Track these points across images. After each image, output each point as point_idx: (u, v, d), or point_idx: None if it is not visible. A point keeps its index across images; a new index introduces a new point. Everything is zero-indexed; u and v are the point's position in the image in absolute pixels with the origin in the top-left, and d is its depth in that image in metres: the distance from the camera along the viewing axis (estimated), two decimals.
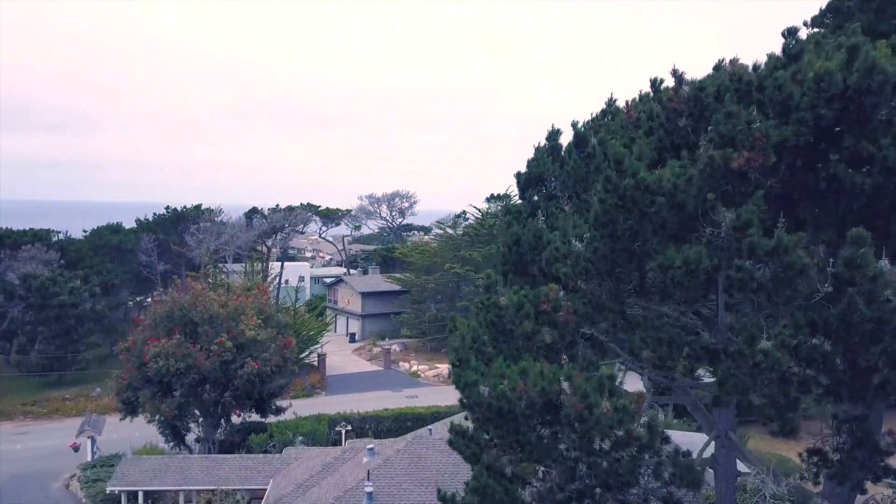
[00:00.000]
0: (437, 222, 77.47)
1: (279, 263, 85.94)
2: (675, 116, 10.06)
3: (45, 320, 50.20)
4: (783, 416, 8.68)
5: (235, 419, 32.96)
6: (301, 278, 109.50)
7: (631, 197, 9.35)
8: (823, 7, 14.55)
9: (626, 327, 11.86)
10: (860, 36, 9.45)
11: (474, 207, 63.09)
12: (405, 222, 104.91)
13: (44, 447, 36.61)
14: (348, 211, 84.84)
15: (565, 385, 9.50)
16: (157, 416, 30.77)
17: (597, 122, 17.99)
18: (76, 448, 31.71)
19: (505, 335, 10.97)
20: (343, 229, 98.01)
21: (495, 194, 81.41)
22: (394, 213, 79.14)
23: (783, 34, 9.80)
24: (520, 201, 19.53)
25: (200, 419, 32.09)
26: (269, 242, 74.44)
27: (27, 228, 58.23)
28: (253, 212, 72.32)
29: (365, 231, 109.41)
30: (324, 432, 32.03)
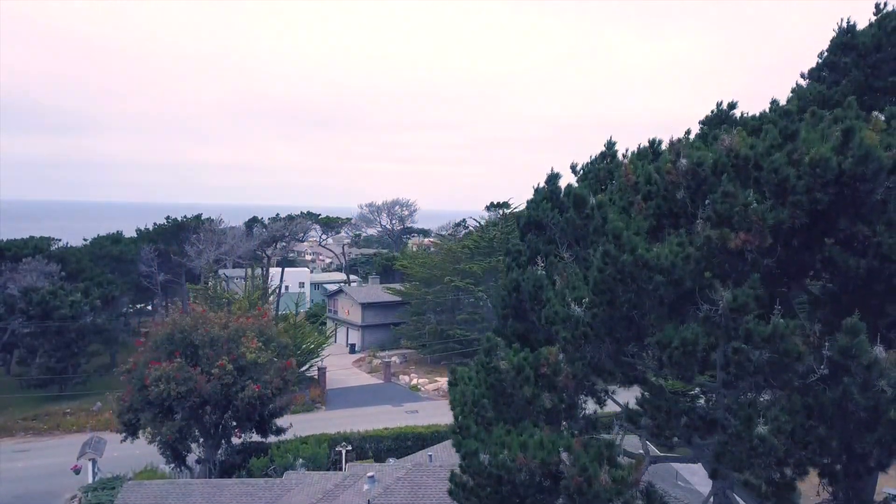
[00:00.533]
0: (438, 234, 77.57)
1: (279, 269, 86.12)
2: (673, 189, 10.17)
3: (46, 333, 50.30)
4: (780, 497, 8.79)
5: (236, 440, 33.06)
6: (301, 284, 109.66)
7: (630, 272, 9.46)
8: (820, 61, 14.64)
9: (626, 384, 12.00)
10: (854, 110, 9.56)
11: (475, 220, 63.11)
12: (406, 226, 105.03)
13: (45, 465, 36.72)
14: (348, 219, 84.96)
15: (564, 456, 9.61)
16: (157, 438, 30.86)
17: (596, 166, 18.13)
18: (77, 470, 31.82)
19: (505, 398, 11.09)
20: (343, 237, 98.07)
21: (495, 202, 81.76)
22: (394, 221, 79.21)
23: (777, 111, 9.89)
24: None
25: (201, 439, 32.19)
26: (269, 251, 74.56)
27: (28, 238, 58.34)
28: (253, 221, 72.47)
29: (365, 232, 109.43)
30: (324, 455, 32.14)
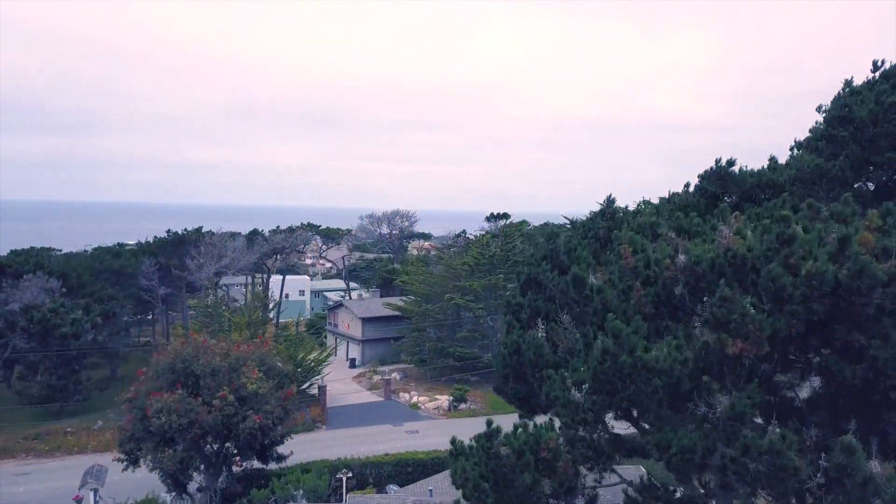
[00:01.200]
0: (438, 246, 77.62)
1: (280, 277, 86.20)
2: (672, 283, 10.30)
3: (47, 351, 50.45)
4: None
5: (237, 468, 33.19)
6: (301, 292, 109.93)
7: (629, 372, 9.59)
8: (820, 127, 14.76)
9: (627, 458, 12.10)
10: (851, 206, 9.69)
11: (472, 235, 63.11)
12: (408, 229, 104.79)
13: (46, 490, 36.85)
14: (349, 230, 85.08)
15: None
16: (158, 467, 30.99)
17: (595, 224, 18.27)
18: (79, 501, 31.94)
19: (506, 483, 11.22)
20: (344, 248, 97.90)
21: (495, 213, 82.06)
22: (394, 233, 79.30)
23: (777, 225, 9.95)
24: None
25: (202, 467, 32.32)
26: (270, 262, 74.65)
27: (30, 250, 58.50)
28: (254, 233, 72.59)
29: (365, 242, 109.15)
30: (325, 486, 32.30)
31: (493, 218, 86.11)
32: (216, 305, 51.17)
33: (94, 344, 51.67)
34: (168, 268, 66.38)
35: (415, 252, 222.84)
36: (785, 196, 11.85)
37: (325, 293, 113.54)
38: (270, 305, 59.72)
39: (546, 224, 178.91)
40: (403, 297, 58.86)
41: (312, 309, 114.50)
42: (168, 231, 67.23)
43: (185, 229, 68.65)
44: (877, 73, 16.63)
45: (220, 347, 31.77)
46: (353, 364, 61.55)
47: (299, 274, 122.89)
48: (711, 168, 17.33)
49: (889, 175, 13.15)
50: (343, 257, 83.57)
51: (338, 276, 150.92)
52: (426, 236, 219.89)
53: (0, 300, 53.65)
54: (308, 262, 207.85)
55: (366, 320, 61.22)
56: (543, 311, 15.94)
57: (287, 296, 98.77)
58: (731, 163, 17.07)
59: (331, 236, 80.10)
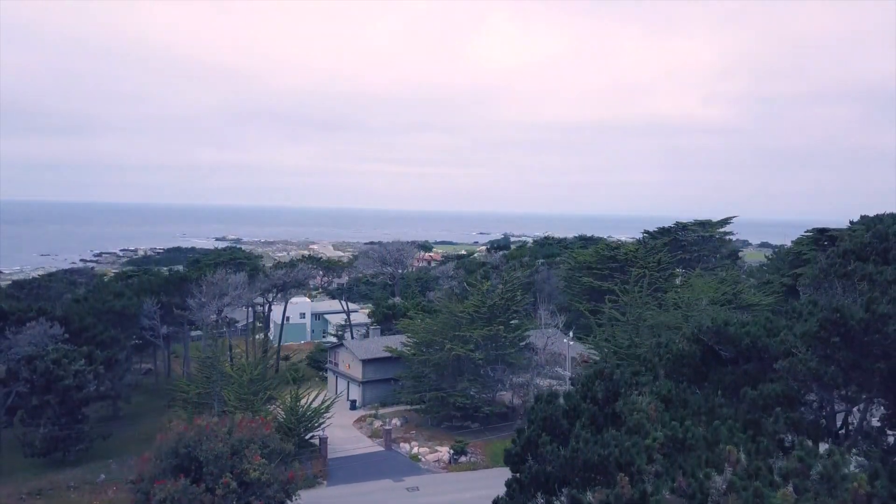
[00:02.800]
0: (439, 261, 77.74)
1: (282, 301, 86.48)
2: None
3: (49, 401, 50.81)
4: None
5: None
6: (302, 315, 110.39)
7: None
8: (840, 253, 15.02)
9: None
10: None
11: (474, 276, 63.22)
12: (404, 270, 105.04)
13: None
14: (350, 262, 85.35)
15: None
16: None
17: (594, 388, 18.54)
18: None
19: None
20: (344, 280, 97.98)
21: (495, 240, 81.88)
22: (395, 265, 79.64)
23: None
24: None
25: None
26: (271, 296, 74.90)
27: (30, 297, 58.71)
28: (254, 270, 72.84)
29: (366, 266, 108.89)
30: None
31: (494, 247, 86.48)
32: (215, 358, 51.44)
33: (97, 393, 51.99)
34: (170, 307, 66.72)
35: (416, 264, 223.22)
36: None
37: (326, 315, 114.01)
38: (270, 353, 59.83)
39: (547, 239, 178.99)
40: (404, 341, 59.10)
41: (313, 331, 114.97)
42: (170, 270, 67.43)
43: (188, 268, 68.84)
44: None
45: (221, 430, 32.08)
46: (353, 406, 61.88)
47: (300, 293, 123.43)
48: (709, 326, 17.61)
49: (882, 381, 13.42)
50: (344, 291, 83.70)
51: (339, 290, 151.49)
52: (427, 247, 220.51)
53: (3, 347, 54.11)
54: None
55: (366, 362, 61.56)
56: (543, 480, 16.20)
57: (288, 318, 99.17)
58: (727, 322, 17.35)
59: (331, 268, 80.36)
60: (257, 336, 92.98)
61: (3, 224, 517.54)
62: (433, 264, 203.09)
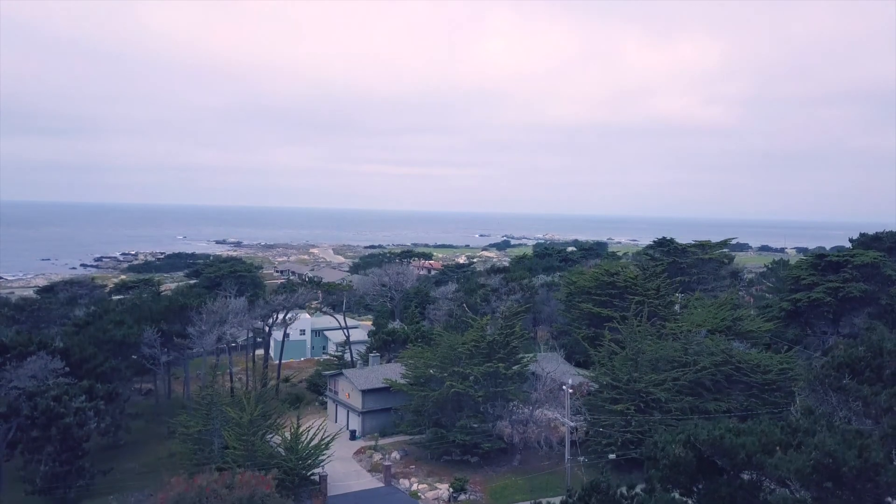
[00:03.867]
0: (439, 270, 77.62)
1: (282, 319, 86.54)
2: None
3: (50, 438, 50.95)
4: None
5: None
6: (302, 332, 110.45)
7: None
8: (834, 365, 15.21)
9: None
10: None
11: (474, 314, 63.33)
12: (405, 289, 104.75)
13: None
14: (349, 286, 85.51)
15: None
16: None
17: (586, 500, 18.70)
18: None
19: None
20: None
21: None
22: (393, 291, 79.77)
23: None
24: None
25: None
26: (270, 321, 75.04)
27: (32, 330, 58.95)
28: (254, 296, 73.03)
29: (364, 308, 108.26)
30: None
31: (493, 271, 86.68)
32: (215, 393, 51.57)
33: (98, 430, 52.17)
34: (170, 334, 66.91)
35: (416, 273, 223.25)
36: None
37: (326, 332, 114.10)
38: (270, 387, 59.83)
39: (546, 249, 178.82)
40: (404, 373, 59.24)
41: (313, 348, 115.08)
42: (171, 299, 67.58)
43: (189, 297, 69.02)
44: None
45: (222, 489, 32.28)
46: (353, 436, 62.02)
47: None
48: (707, 436, 17.76)
49: None
50: (343, 313, 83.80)
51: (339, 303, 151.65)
52: (427, 256, 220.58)
53: (3, 381, 54.30)
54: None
55: (366, 392, 61.72)
56: None
57: (288, 335, 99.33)
58: (722, 436, 17.50)
59: (331, 291, 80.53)
60: (258, 352, 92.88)
61: (3, 226, 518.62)
62: (433, 273, 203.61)
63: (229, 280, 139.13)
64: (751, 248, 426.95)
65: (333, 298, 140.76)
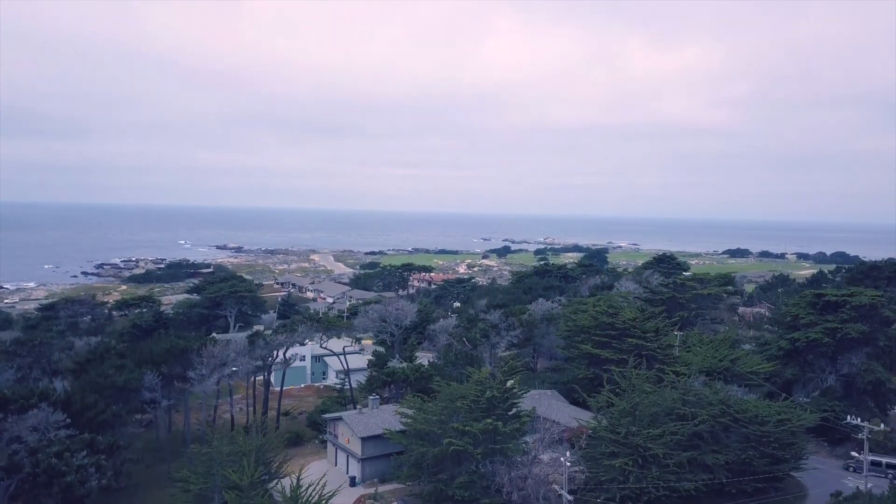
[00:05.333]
0: (439, 284, 77.63)
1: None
2: None
3: (52, 494, 51.34)
4: None
5: None
6: (302, 358, 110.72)
7: None
8: None
9: None
10: None
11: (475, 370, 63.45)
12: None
13: None
14: (349, 322, 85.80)
15: None
16: None
17: None
18: None
19: None
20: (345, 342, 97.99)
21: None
22: (393, 327, 80.00)
23: None
24: None
25: None
26: (270, 360, 75.28)
27: (34, 381, 59.31)
28: (255, 336, 73.32)
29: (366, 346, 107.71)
30: None
31: (492, 307, 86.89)
32: (216, 450, 51.78)
33: (99, 487, 52.52)
34: (171, 378, 67.21)
35: (416, 284, 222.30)
36: None
37: (325, 358, 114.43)
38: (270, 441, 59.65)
39: (545, 265, 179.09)
40: (404, 421, 59.41)
41: (313, 374, 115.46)
42: (171, 344, 67.86)
43: (190, 339, 69.29)
44: None
45: None
46: (353, 482, 62.31)
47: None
48: None
49: None
50: (343, 348, 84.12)
51: (339, 318, 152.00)
52: (428, 269, 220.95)
53: (5, 435, 54.61)
54: (310, 294, 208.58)
55: (365, 439, 62.02)
56: None
57: (288, 361, 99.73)
58: None
59: (331, 327, 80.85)
60: (258, 376, 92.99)
61: (4, 230, 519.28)
62: (433, 286, 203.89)
63: (230, 300, 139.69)
64: (751, 253, 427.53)
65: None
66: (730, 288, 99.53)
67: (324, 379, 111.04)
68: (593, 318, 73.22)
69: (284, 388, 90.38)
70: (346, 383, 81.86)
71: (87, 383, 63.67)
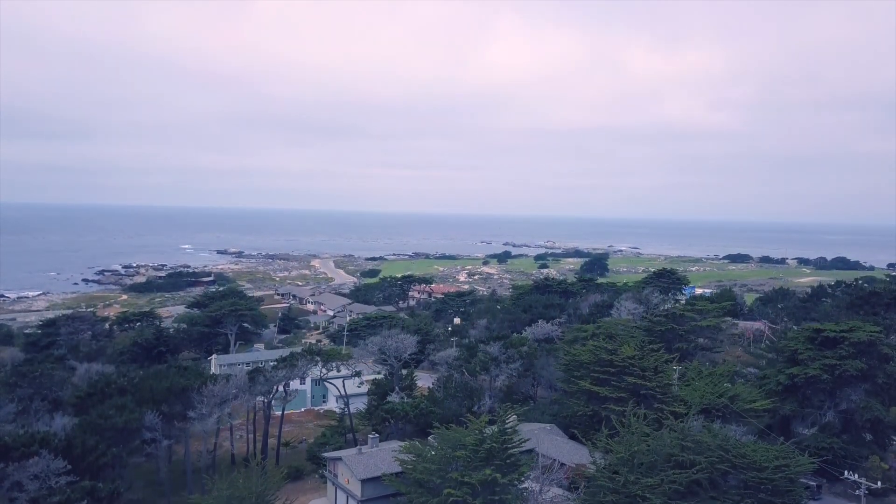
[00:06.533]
0: (443, 295, 77.64)
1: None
2: None
3: None
4: None
5: None
6: (302, 381, 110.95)
7: None
8: None
9: None
10: None
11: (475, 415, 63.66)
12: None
13: None
14: (349, 356, 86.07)
15: None
16: None
17: None
18: None
19: None
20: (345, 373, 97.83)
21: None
22: (393, 359, 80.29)
23: None
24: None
25: None
26: (272, 394, 75.46)
27: (35, 431, 59.60)
28: (256, 371, 73.57)
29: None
30: None
31: (492, 339, 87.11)
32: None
33: None
34: (171, 417, 67.43)
35: (416, 296, 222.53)
36: None
37: (326, 382, 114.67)
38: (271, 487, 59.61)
39: (546, 280, 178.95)
40: (403, 466, 59.60)
41: (313, 397, 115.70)
42: (171, 383, 68.05)
43: (188, 377, 69.51)
44: None
45: None
46: None
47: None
48: None
49: None
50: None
51: (339, 333, 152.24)
52: (428, 280, 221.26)
53: (5, 484, 54.86)
54: (310, 307, 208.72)
55: (365, 481, 62.23)
56: None
57: (288, 385, 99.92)
58: None
59: (331, 358, 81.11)
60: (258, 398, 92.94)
61: (5, 233, 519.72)
62: (433, 298, 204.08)
63: (230, 318, 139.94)
64: (751, 259, 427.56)
65: (334, 330, 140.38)
66: (728, 319, 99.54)
67: (324, 402, 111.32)
68: (592, 353, 73.40)
69: (285, 411, 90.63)
70: (346, 412, 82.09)
71: (88, 424, 63.86)
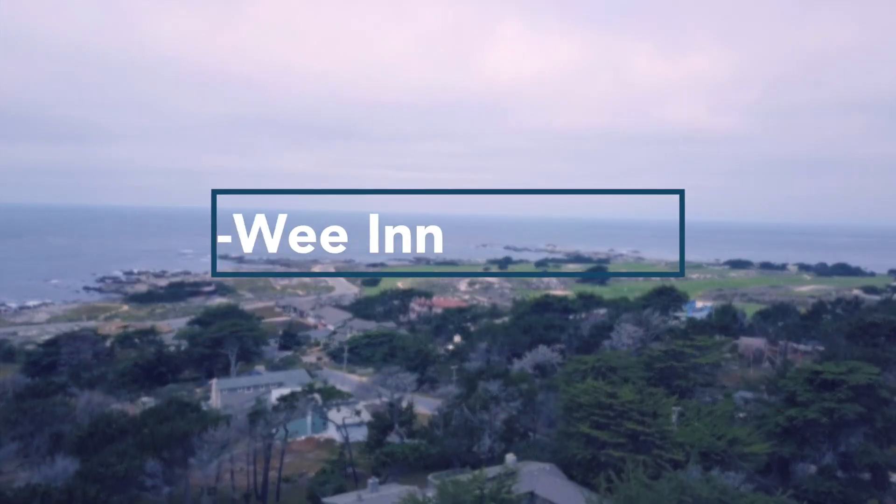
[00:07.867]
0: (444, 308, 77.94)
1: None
2: None
3: None
4: None
5: None
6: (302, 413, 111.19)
7: None
8: None
9: None
10: None
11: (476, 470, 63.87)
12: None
13: None
14: (349, 395, 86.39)
15: None
16: None
17: None
18: None
19: None
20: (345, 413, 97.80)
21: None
22: (394, 397, 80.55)
23: None
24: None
25: None
26: (269, 439, 75.62)
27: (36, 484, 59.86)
28: (256, 415, 73.87)
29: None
30: None
31: (492, 376, 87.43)
32: None
33: None
34: (171, 463, 67.69)
35: (416, 309, 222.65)
36: None
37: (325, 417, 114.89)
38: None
39: (546, 297, 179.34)
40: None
41: (313, 424, 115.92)
42: (172, 428, 68.35)
43: (189, 422, 69.81)
44: None
45: None
46: None
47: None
48: None
49: None
50: (343, 419, 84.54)
51: (340, 350, 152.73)
52: (428, 294, 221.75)
53: None
54: (311, 321, 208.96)
55: None
56: None
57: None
58: None
59: (332, 395, 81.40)
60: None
61: (6, 237, 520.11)
62: (433, 312, 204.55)
63: (231, 339, 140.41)
64: (752, 264, 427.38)
65: (335, 347, 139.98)
66: (727, 356, 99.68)
67: (325, 429, 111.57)
68: (592, 396, 73.57)
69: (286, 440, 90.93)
70: (346, 448, 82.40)
71: (89, 472, 64.17)
